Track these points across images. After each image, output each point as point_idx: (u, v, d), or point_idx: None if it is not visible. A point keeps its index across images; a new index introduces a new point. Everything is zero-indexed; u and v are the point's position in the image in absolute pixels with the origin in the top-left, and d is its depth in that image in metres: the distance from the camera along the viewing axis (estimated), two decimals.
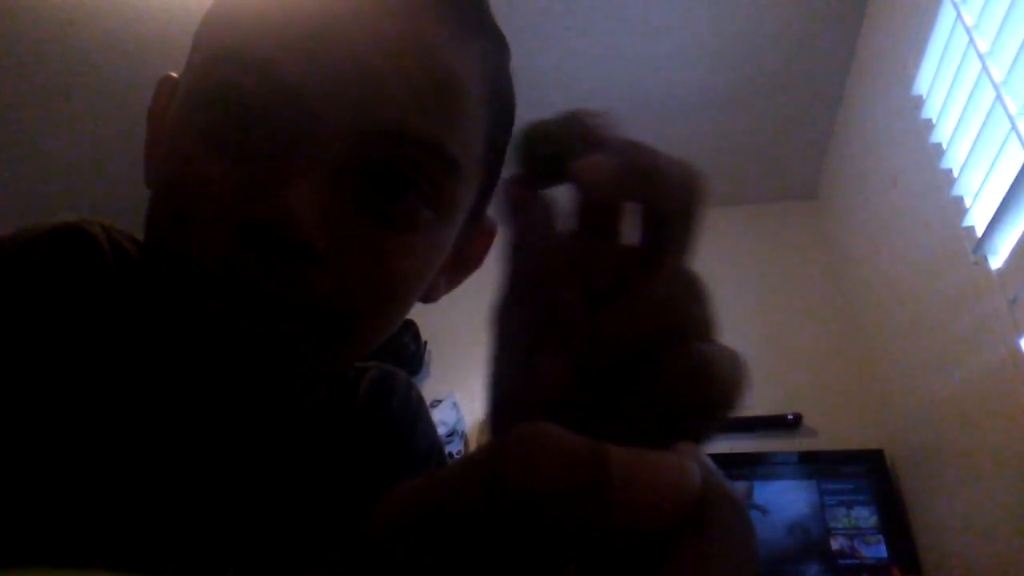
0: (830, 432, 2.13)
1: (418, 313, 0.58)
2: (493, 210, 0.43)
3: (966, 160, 1.36)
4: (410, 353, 2.39)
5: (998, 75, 1.22)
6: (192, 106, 0.34)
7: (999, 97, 1.20)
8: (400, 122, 0.33)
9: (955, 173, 1.42)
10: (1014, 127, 1.16)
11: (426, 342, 2.45)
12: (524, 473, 0.15)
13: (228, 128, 0.32)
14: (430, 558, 0.15)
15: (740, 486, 1.93)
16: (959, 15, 1.34)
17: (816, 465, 1.99)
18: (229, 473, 0.41)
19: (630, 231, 0.25)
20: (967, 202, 1.38)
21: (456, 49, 0.35)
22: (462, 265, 0.47)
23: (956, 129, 1.40)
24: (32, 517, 0.30)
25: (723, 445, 2.15)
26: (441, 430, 2.26)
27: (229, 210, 0.31)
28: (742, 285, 2.45)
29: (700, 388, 0.22)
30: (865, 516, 1.89)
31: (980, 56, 1.26)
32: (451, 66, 0.35)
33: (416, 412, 0.57)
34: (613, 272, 0.23)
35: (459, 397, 2.40)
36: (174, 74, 0.42)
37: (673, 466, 0.16)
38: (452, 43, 0.35)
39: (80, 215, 0.39)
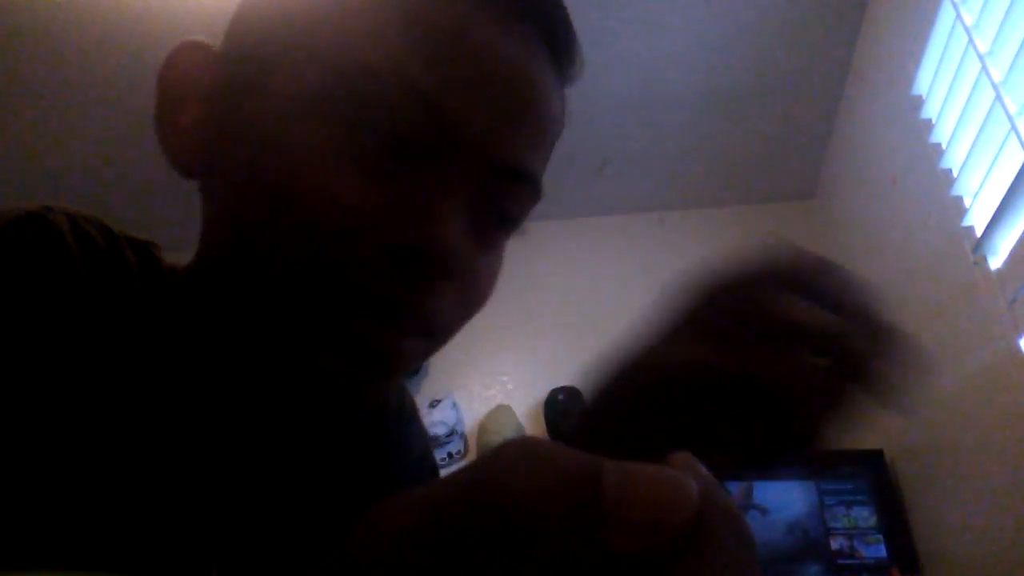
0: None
1: None
2: None
3: (966, 160, 1.36)
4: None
5: (998, 75, 1.22)
6: (318, 115, 0.33)
7: (999, 97, 1.20)
8: (522, 160, 0.36)
9: (955, 173, 1.42)
10: (1013, 127, 1.16)
11: None
12: (515, 489, 0.15)
13: (376, 148, 0.33)
14: (418, 573, 0.15)
15: (739, 486, 1.93)
16: (959, 15, 1.34)
17: (815, 465, 1.99)
18: (218, 471, 0.41)
19: None
20: (967, 202, 1.38)
21: (558, 94, 0.39)
22: None
23: (956, 129, 1.40)
24: (12, 516, 0.30)
25: None
26: (441, 430, 2.26)
27: (380, 230, 0.32)
28: None
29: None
30: (865, 516, 1.89)
31: (980, 56, 1.26)
32: (554, 110, 0.38)
33: (410, 418, 0.57)
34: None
35: (458, 397, 2.40)
36: (202, 40, 0.39)
37: (670, 482, 0.16)
38: (557, 88, 0.39)
39: (43, 203, 0.37)
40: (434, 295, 0.34)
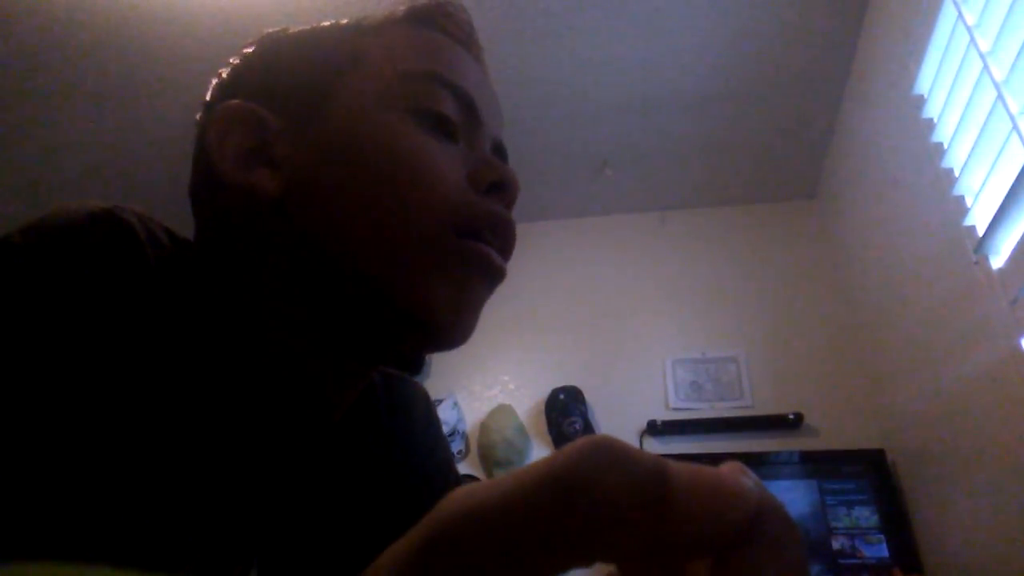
0: (831, 432, 2.13)
1: None
2: None
3: (967, 160, 1.35)
4: (421, 351, 2.38)
5: (999, 74, 1.22)
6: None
7: (1000, 96, 1.20)
8: (502, 138, 0.50)
9: (956, 173, 1.42)
10: (1015, 127, 1.16)
11: None
12: (592, 480, 0.16)
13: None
14: (494, 555, 0.17)
15: None
16: (960, 14, 1.33)
17: (817, 465, 2.00)
18: (260, 471, 0.42)
19: None
20: (968, 202, 1.38)
21: None
22: None
23: (957, 129, 1.39)
24: (53, 510, 0.31)
25: (725, 445, 2.15)
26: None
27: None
28: (743, 285, 2.45)
29: None
30: (866, 516, 1.89)
31: (981, 55, 1.25)
32: None
33: (437, 430, 0.62)
34: None
35: (459, 397, 2.40)
36: (243, 104, 0.44)
37: (732, 480, 0.18)
38: None
39: (112, 201, 0.39)
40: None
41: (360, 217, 0.41)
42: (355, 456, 0.49)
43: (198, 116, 0.48)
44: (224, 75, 0.48)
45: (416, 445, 0.56)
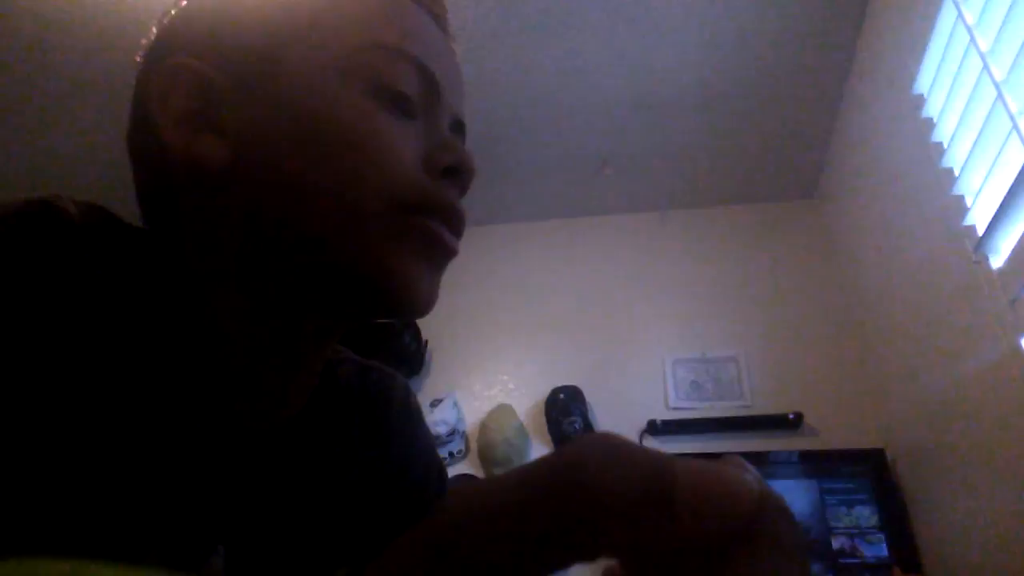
0: (831, 431, 2.13)
1: None
2: None
3: (967, 159, 1.36)
4: (411, 352, 2.39)
5: (999, 74, 1.22)
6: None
7: (1000, 96, 1.20)
8: (463, 115, 0.48)
9: (956, 172, 1.42)
10: (1015, 126, 1.16)
11: (427, 341, 2.46)
12: (600, 475, 0.17)
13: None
14: (497, 547, 0.17)
15: None
16: (960, 14, 1.34)
17: (817, 464, 2.00)
18: (226, 456, 0.41)
19: None
20: (968, 201, 1.38)
21: None
22: None
23: (957, 128, 1.40)
24: (18, 504, 0.30)
25: (725, 444, 2.15)
26: (441, 429, 2.26)
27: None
28: (743, 284, 2.45)
29: None
30: (866, 515, 1.89)
31: (981, 55, 1.25)
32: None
33: (417, 421, 0.60)
34: None
35: (459, 396, 2.40)
36: (188, 61, 0.42)
37: (735, 476, 0.18)
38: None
39: (50, 192, 0.38)
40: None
41: (309, 192, 0.39)
42: (322, 446, 0.49)
43: (137, 71, 0.46)
44: (164, 25, 0.45)
45: (393, 435, 0.55)
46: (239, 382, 0.42)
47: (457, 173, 0.44)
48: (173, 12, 0.45)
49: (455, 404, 2.35)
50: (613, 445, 0.18)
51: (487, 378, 2.46)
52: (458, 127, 0.48)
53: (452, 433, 2.28)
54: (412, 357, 2.39)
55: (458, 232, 0.45)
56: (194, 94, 0.41)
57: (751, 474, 0.19)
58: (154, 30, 0.46)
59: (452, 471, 2.25)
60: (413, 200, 0.41)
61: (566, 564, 0.17)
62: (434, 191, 0.42)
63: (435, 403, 2.32)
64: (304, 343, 0.44)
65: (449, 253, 0.44)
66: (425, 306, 0.43)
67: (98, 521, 0.33)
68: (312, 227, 0.39)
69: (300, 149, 0.40)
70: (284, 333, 0.43)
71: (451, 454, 2.29)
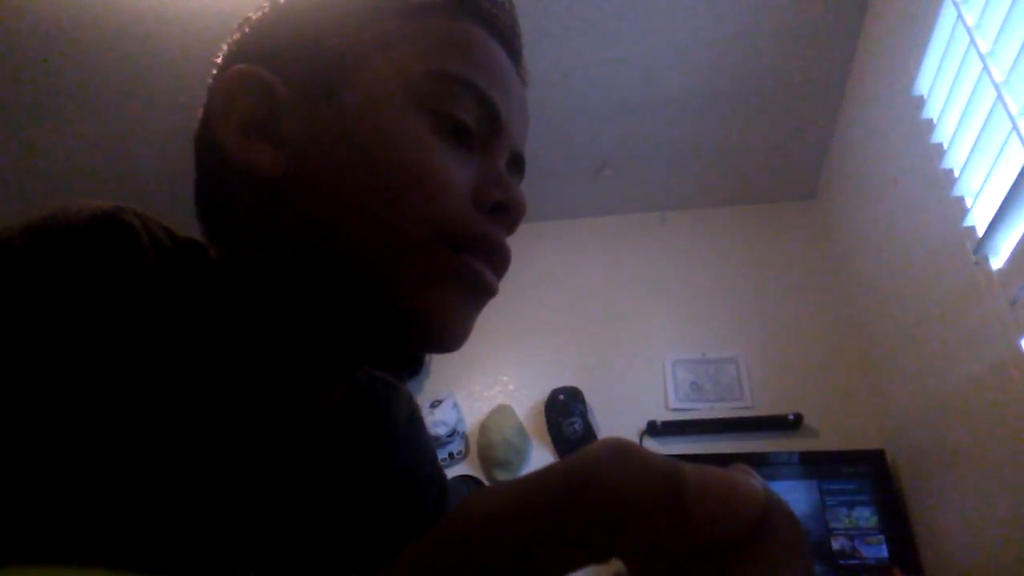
0: (831, 432, 2.13)
1: None
2: None
3: (967, 160, 1.35)
4: (411, 353, 2.38)
5: (999, 75, 1.22)
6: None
7: (1000, 97, 1.20)
8: (523, 149, 0.48)
9: (956, 173, 1.42)
10: (1015, 127, 1.16)
11: None
12: (611, 479, 0.17)
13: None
14: (514, 552, 0.17)
15: None
16: (960, 15, 1.33)
17: (817, 465, 2.00)
18: (251, 471, 0.42)
19: None
20: (968, 202, 1.38)
21: None
22: None
23: (957, 129, 1.39)
24: (52, 513, 0.31)
25: (725, 445, 2.15)
26: (442, 430, 2.26)
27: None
28: (743, 285, 2.45)
29: None
30: (866, 516, 1.89)
31: (981, 56, 1.25)
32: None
33: (421, 429, 0.61)
34: None
35: (459, 397, 2.40)
36: (256, 69, 0.42)
37: (742, 481, 0.18)
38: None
39: (114, 202, 0.38)
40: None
41: (356, 213, 0.39)
42: (341, 459, 0.49)
43: (209, 81, 0.46)
44: (237, 37, 0.46)
45: (399, 447, 0.56)
46: (274, 394, 0.43)
47: (506, 210, 0.43)
48: (252, 18, 0.46)
49: (455, 405, 2.35)
50: (626, 447, 0.18)
51: (487, 378, 2.46)
52: (517, 162, 0.48)
53: (452, 434, 2.28)
54: (412, 358, 2.39)
55: (500, 272, 0.44)
56: (257, 102, 0.42)
57: (756, 479, 0.19)
58: (236, 35, 0.46)
59: (452, 472, 2.25)
60: (458, 232, 0.40)
61: (581, 565, 0.18)
62: (479, 226, 0.41)
63: (435, 404, 2.32)
64: (338, 363, 0.45)
65: (490, 292, 0.43)
66: (458, 343, 0.42)
67: (130, 535, 0.33)
68: (353, 250, 0.39)
69: (352, 170, 0.40)
70: (319, 354, 0.43)
71: (451, 455, 2.29)
